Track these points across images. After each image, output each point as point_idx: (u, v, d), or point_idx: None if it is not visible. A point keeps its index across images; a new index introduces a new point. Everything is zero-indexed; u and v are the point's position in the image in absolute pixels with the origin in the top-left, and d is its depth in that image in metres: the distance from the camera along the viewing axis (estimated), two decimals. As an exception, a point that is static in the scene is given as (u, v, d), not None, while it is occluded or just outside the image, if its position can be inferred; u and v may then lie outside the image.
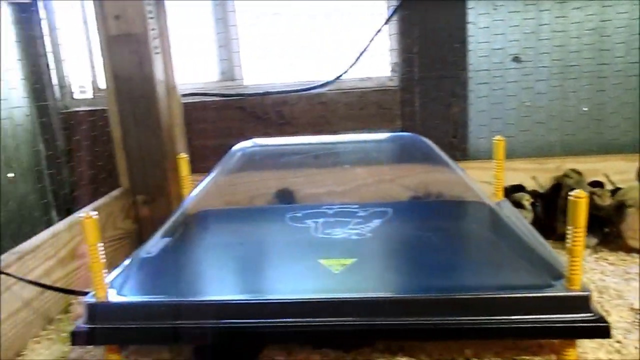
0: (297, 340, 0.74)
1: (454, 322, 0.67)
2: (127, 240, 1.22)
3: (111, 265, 1.11)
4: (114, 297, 0.72)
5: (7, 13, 1.21)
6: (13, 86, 1.23)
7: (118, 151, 1.23)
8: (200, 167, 1.21)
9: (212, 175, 0.97)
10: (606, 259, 1.02)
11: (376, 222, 0.92)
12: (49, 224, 1.35)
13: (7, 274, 0.80)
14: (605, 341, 0.74)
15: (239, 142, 1.24)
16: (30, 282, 0.83)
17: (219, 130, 1.30)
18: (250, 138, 1.19)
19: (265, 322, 0.69)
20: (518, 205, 1.07)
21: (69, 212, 1.36)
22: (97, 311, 0.71)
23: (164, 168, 1.22)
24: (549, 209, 1.12)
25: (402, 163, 1.04)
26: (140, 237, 1.27)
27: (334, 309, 0.68)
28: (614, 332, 0.74)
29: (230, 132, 1.30)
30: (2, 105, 1.18)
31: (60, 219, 1.35)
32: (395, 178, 1.02)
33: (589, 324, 0.65)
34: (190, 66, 1.33)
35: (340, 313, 0.68)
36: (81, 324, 0.71)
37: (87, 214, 0.69)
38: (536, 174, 1.20)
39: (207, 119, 1.30)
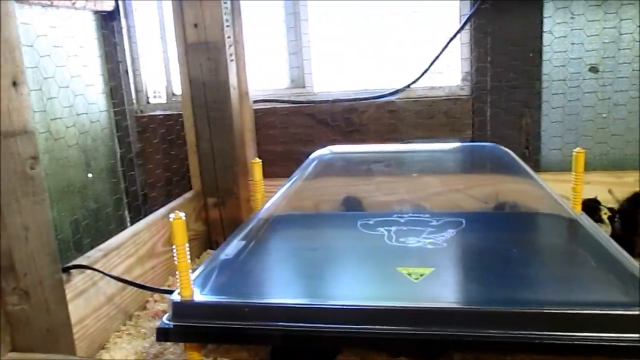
0: (374, 348, 0.74)
1: (535, 336, 0.65)
2: (197, 241, 1.25)
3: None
4: (198, 296, 0.74)
5: (91, 19, 1.27)
6: (95, 98, 1.29)
7: (191, 154, 1.26)
8: (268, 172, 1.22)
9: (291, 180, 0.98)
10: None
11: (450, 232, 0.91)
12: (122, 222, 1.40)
13: (97, 270, 0.83)
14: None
15: (307, 148, 1.25)
16: (118, 278, 0.87)
17: (288, 136, 1.33)
18: (320, 145, 1.21)
19: (344, 328, 0.69)
20: (595, 219, 1.04)
21: (141, 212, 1.41)
22: (182, 309, 0.73)
23: (234, 172, 1.24)
24: (627, 223, 1.08)
25: (482, 173, 1.02)
26: (209, 239, 1.30)
27: (415, 317, 0.68)
28: None
29: (299, 139, 1.32)
30: (88, 109, 1.23)
31: (132, 218, 1.40)
32: (473, 188, 1.00)
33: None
34: (261, 73, 1.36)
35: (421, 322, 0.68)
36: (166, 320, 0.73)
37: (177, 214, 0.71)
38: (612, 188, 1.16)
39: (276, 125, 1.33)
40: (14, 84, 0.58)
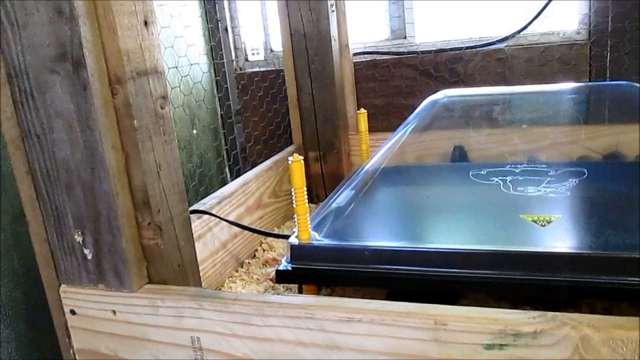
0: (499, 293, 0.71)
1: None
2: (299, 195, 1.26)
3: (289, 217, 1.16)
4: (316, 239, 0.74)
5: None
6: (198, 57, 1.31)
7: (292, 108, 1.26)
8: (369, 126, 1.21)
9: (402, 128, 0.96)
10: None
11: (572, 182, 0.86)
12: (224, 177, 1.44)
13: (215, 215, 0.86)
14: None
15: (408, 101, 1.22)
16: (236, 223, 0.89)
17: (389, 89, 1.30)
18: (422, 98, 1.17)
19: (466, 272, 0.67)
20: None
21: (243, 166, 1.44)
22: (300, 252, 0.73)
23: (336, 125, 1.23)
24: None
25: (616, 117, 0.95)
26: (310, 193, 1.31)
27: (544, 263, 0.64)
28: None
29: (400, 91, 1.28)
30: (191, 70, 1.26)
31: (236, 172, 1.44)
32: (599, 137, 0.93)
33: None
34: (361, 24, 1.33)
35: (550, 268, 0.64)
36: (285, 263, 0.74)
37: (295, 157, 0.71)
38: None
39: (376, 78, 1.30)
40: (145, 23, 0.59)
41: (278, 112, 1.39)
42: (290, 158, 0.71)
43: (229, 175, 1.49)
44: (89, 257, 0.61)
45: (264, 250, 1.04)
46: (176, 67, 1.20)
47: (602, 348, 0.43)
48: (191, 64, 1.28)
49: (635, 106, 0.85)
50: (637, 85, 0.88)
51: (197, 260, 0.69)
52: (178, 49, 1.22)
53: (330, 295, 0.82)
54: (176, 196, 0.64)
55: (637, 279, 0.62)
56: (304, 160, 1.27)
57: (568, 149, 0.93)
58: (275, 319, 0.54)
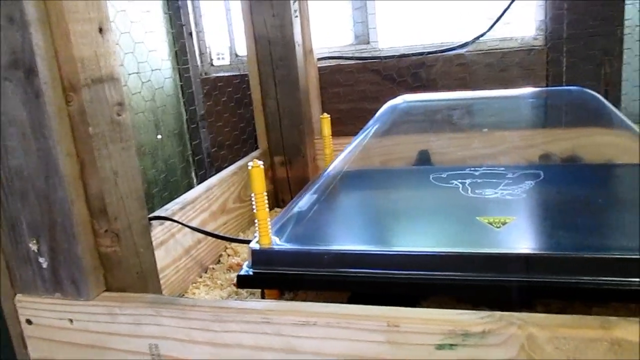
0: (456, 295, 0.72)
1: (630, 283, 0.62)
2: (265, 199, 1.26)
3: (254, 222, 1.16)
4: (277, 244, 0.74)
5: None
6: (161, 60, 1.30)
7: (257, 113, 1.27)
8: (333, 130, 1.21)
9: (362, 133, 0.97)
10: None
11: (528, 184, 0.88)
12: (190, 182, 1.43)
13: (177, 222, 0.85)
14: None
15: (373, 105, 1.23)
16: (200, 230, 0.89)
17: (353, 94, 1.31)
18: (386, 102, 1.19)
19: (425, 274, 0.68)
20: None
21: (208, 171, 1.44)
22: (261, 257, 0.74)
23: (301, 130, 1.24)
24: None
25: (570, 120, 0.97)
26: (276, 198, 1.31)
27: (499, 264, 0.66)
28: None
29: (364, 96, 1.30)
30: (153, 75, 1.25)
31: (201, 177, 1.43)
32: (557, 138, 0.96)
33: None
34: (325, 30, 1.34)
35: (505, 269, 0.66)
36: (246, 268, 0.74)
37: (255, 162, 0.71)
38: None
39: (341, 83, 1.31)
40: (100, 30, 0.59)
41: (243, 117, 1.39)
42: (250, 164, 0.71)
43: (195, 181, 1.48)
44: (45, 265, 0.61)
45: (228, 256, 1.04)
46: (138, 73, 1.19)
47: (546, 346, 0.45)
48: (152, 70, 1.27)
49: (587, 111, 0.88)
50: (588, 90, 0.90)
51: (156, 267, 0.69)
52: (140, 54, 1.21)
53: (293, 299, 0.82)
54: (135, 203, 0.64)
55: (588, 278, 0.64)
56: (270, 165, 1.29)
57: (525, 152, 0.95)
58: (233, 324, 0.54)
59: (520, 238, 0.71)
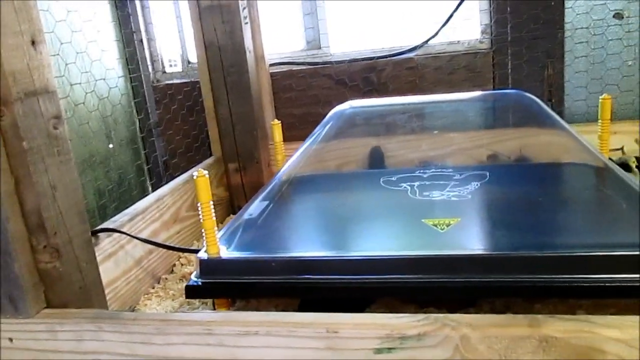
0: (403, 297, 0.74)
1: (567, 280, 0.65)
2: (220, 206, 1.26)
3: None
4: (225, 253, 0.74)
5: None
6: (111, 65, 1.29)
7: (210, 120, 1.26)
8: (287, 135, 1.22)
9: (310, 138, 0.98)
10: None
11: (474, 185, 0.90)
12: (144, 191, 1.42)
13: (125, 233, 0.84)
14: None
15: (325, 110, 1.24)
16: (149, 241, 0.88)
17: (306, 98, 1.32)
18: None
19: (371, 278, 0.69)
20: (623, 168, 1.02)
21: (163, 179, 1.42)
22: (209, 266, 0.73)
23: (254, 136, 1.24)
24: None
25: (508, 121, 1.00)
26: (231, 204, 1.31)
27: (443, 265, 0.67)
28: None
29: (317, 101, 1.31)
30: (105, 74, 1.23)
31: (154, 186, 1.42)
32: (500, 139, 0.98)
33: None
34: (277, 35, 1.34)
35: (449, 270, 0.67)
36: (194, 278, 0.74)
37: (200, 172, 0.71)
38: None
39: (294, 88, 1.32)
40: (33, 42, 0.58)
41: (196, 125, 1.38)
42: (195, 173, 0.71)
43: (150, 190, 1.46)
44: (-19, 284, 0.59)
45: (182, 265, 1.03)
46: (84, 83, 1.17)
47: (479, 346, 0.46)
48: (102, 79, 1.25)
49: (525, 113, 0.90)
50: (526, 94, 0.93)
51: (101, 280, 0.68)
52: (87, 62, 1.19)
53: (244, 307, 0.82)
54: (75, 217, 0.63)
55: (528, 277, 0.66)
56: (224, 171, 1.29)
57: (471, 153, 0.97)
58: (175, 336, 0.54)
59: (463, 239, 0.73)
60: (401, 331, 0.47)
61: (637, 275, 0.63)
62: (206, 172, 0.72)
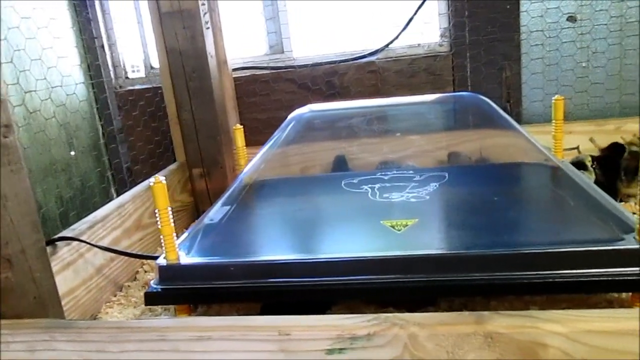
0: (362, 298, 0.75)
1: (520, 277, 0.66)
2: (184, 212, 1.25)
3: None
4: (184, 259, 0.74)
5: (63, -4, 1.25)
6: (70, 70, 1.27)
7: (173, 126, 1.26)
8: (252, 140, 1.22)
9: (270, 143, 0.98)
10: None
11: (433, 186, 0.92)
12: (109, 198, 1.40)
13: (83, 241, 0.84)
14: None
15: (289, 114, 1.25)
16: (107, 248, 0.87)
17: (270, 103, 1.32)
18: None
19: (333, 280, 0.70)
20: (579, 167, 1.05)
21: (127, 186, 1.41)
22: (169, 272, 0.73)
23: (218, 142, 1.24)
24: (608, 170, 1.09)
25: (463, 124, 1.02)
26: (196, 210, 1.30)
27: (400, 266, 0.69)
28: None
29: (280, 105, 1.31)
30: (63, 82, 1.22)
31: (118, 192, 1.40)
32: (454, 140, 1.00)
33: (662, 276, 0.64)
34: (239, 40, 1.34)
35: (405, 270, 0.68)
36: (153, 285, 0.74)
37: (157, 178, 0.71)
38: (594, 136, 1.17)
39: (257, 93, 1.32)
40: (-20, 50, 0.57)
41: (160, 130, 1.38)
42: (152, 180, 0.71)
43: (115, 196, 1.45)
44: None
45: (145, 272, 1.02)
46: (47, 89, 1.16)
47: (427, 344, 0.47)
48: (55, 86, 1.23)
49: (479, 115, 0.93)
50: (480, 96, 0.96)
51: (57, 290, 0.67)
52: (47, 68, 1.17)
53: (206, 312, 0.82)
54: (28, 227, 0.62)
55: (483, 275, 0.68)
56: (188, 177, 1.28)
57: (428, 155, 0.99)
58: (129, 344, 0.54)
59: (420, 239, 0.74)
60: (352, 332, 0.48)
61: (585, 271, 0.65)
62: (163, 178, 0.72)
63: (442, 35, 1.26)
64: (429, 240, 0.75)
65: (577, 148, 1.15)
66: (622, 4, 1.16)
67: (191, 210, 1.29)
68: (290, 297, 0.71)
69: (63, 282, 0.79)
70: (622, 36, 1.18)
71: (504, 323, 0.46)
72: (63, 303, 0.78)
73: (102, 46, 1.36)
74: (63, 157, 1.25)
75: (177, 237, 0.82)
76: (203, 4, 1.19)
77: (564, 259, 0.66)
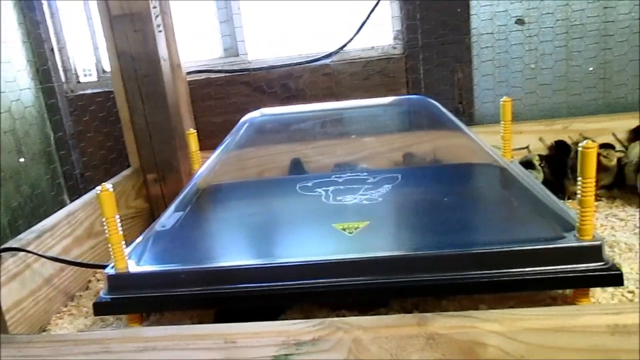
0: (316, 301, 0.75)
1: (468, 277, 0.68)
2: (139, 218, 1.23)
3: (125, 243, 1.13)
4: (133, 267, 0.73)
5: (9, -2, 1.21)
6: (15, 75, 1.23)
7: (126, 131, 1.23)
8: (207, 144, 1.21)
9: (221, 147, 0.98)
10: (616, 215, 1.02)
11: (386, 188, 0.93)
12: (62, 206, 1.37)
13: (29, 252, 0.81)
14: (618, 291, 0.75)
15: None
16: (53, 258, 0.85)
17: (225, 106, 1.31)
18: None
19: (285, 285, 0.70)
20: (528, 166, 1.08)
21: (80, 193, 1.38)
22: (118, 282, 0.72)
23: (172, 146, 1.22)
24: (556, 169, 1.12)
25: (410, 126, 1.04)
26: (152, 215, 1.28)
27: (350, 269, 0.69)
28: (626, 283, 0.75)
29: (236, 108, 1.30)
30: (9, 91, 1.18)
31: (72, 200, 1.37)
32: (404, 142, 1.02)
33: (601, 273, 0.66)
34: (193, 43, 1.33)
35: (356, 273, 0.69)
36: (102, 295, 0.73)
37: (103, 186, 0.70)
38: (543, 136, 1.20)
39: (212, 96, 1.31)
40: None
41: (113, 136, 1.35)
42: (98, 188, 0.70)
43: (68, 199, 1.41)
44: None
45: (98, 281, 1.00)
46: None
47: (371, 347, 0.48)
48: (9, 91, 1.20)
49: (427, 117, 0.94)
50: (428, 99, 0.97)
51: (0, 303, 0.65)
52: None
53: (158, 321, 0.81)
54: (-34, 239, 0.60)
55: (433, 275, 0.69)
56: (143, 182, 1.26)
57: (380, 157, 1.00)
58: (72, 357, 0.53)
59: (370, 241, 0.75)
60: (297, 337, 0.48)
61: (529, 269, 0.67)
62: (110, 186, 0.71)
63: (395, 38, 1.27)
64: (379, 242, 0.76)
65: (527, 147, 1.18)
66: (567, 7, 1.20)
67: (146, 216, 1.27)
68: (242, 303, 0.71)
69: (8, 294, 0.77)
70: (567, 38, 1.22)
71: (446, 324, 0.47)
72: (9, 316, 0.77)
73: (52, 49, 1.33)
74: (11, 164, 1.21)
75: (130, 244, 0.82)
76: (154, 7, 1.17)
77: (508, 258, 0.68)
